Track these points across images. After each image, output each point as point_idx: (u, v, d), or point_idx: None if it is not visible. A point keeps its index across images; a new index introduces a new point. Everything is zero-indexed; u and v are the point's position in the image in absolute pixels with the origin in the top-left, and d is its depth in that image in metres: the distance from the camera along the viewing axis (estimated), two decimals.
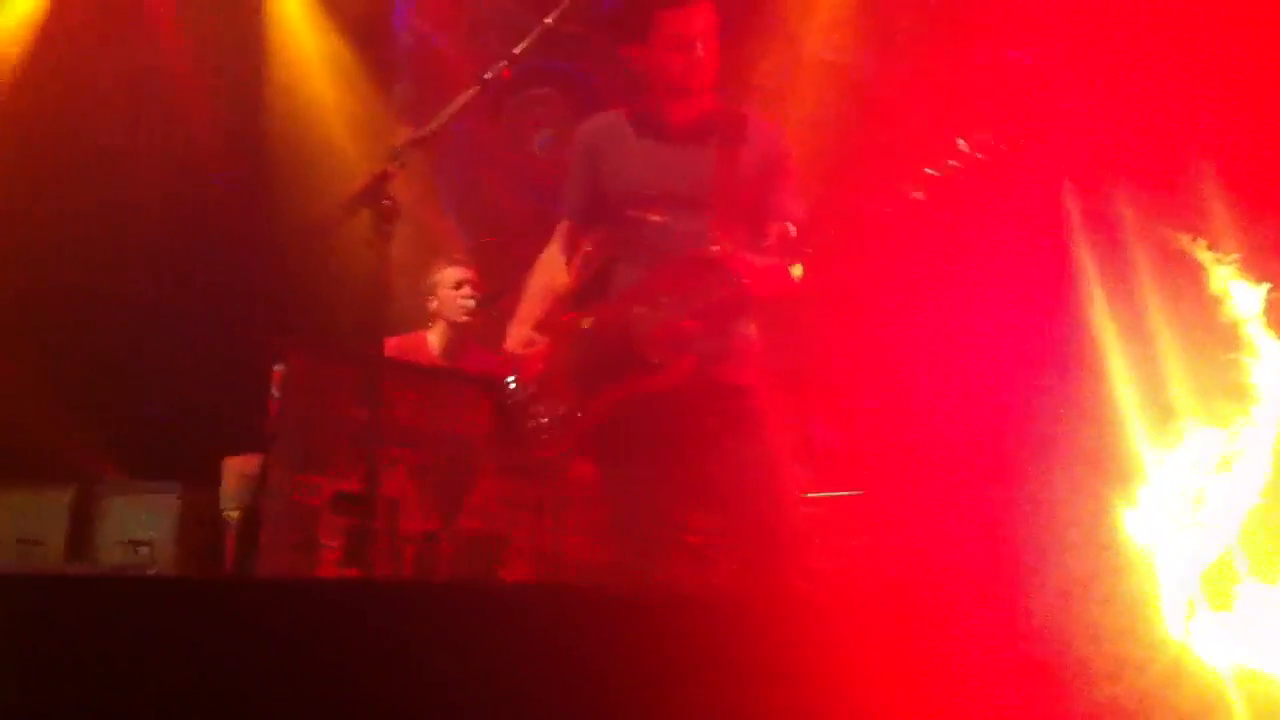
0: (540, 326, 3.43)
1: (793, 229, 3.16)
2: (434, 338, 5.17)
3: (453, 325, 5.13)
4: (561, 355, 3.37)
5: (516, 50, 3.21)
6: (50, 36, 6.96)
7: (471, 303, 5.09)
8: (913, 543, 4.56)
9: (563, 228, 3.55)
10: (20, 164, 6.80)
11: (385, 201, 3.17)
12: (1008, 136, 3.00)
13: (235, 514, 4.90)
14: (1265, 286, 3.21)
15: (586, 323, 3.38)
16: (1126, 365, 3.52)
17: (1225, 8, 4.43)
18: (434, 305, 5.17)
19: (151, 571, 5.60)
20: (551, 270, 3.52)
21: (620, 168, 3.39)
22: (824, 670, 1.81)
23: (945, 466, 4.69)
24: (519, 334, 3.44)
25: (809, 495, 4.10)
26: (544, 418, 3.35)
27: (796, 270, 3.21)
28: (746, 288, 3.19)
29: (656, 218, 3.30)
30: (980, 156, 2.98)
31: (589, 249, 3.50)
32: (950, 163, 2.99)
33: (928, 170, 3.00)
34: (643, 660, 1.89)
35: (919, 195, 3.01)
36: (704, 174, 3.30)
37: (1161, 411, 3.13)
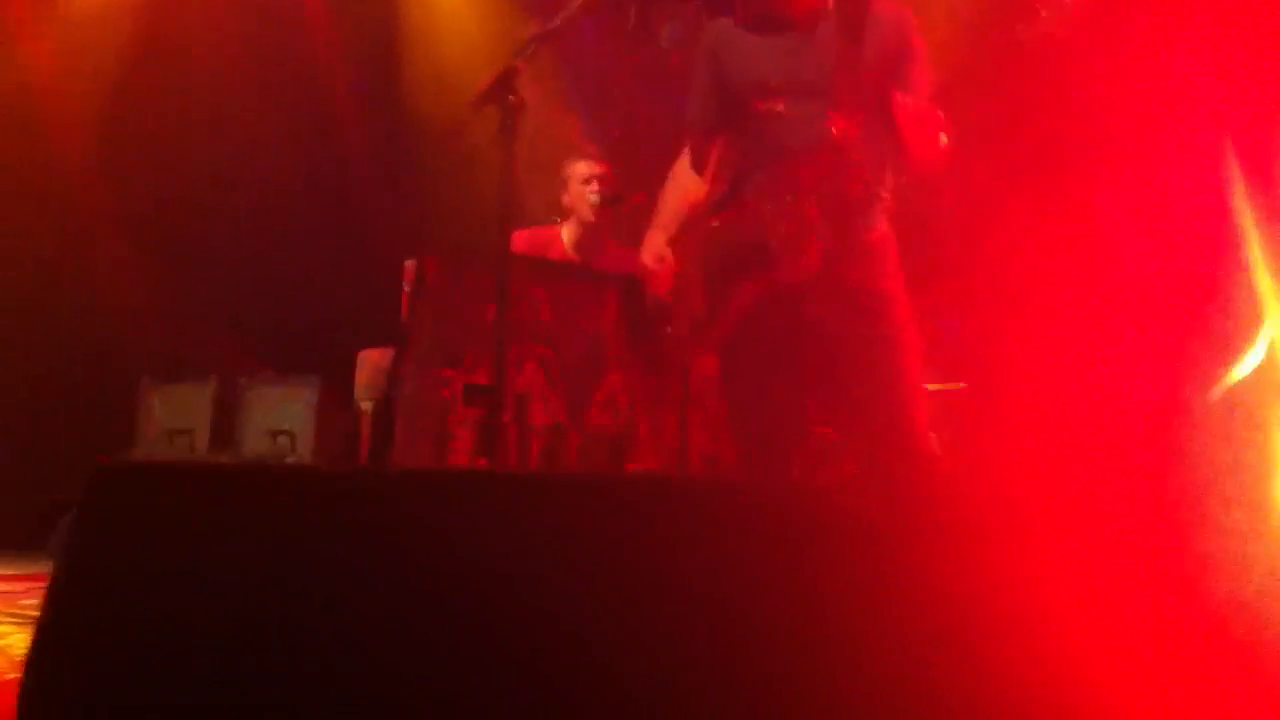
0: (675, 239, 3.41)
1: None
2: (566, 232, 5.18)
3: (583, 221, 5.14)
4: (693, 260, 3.35)
5: None
6: None
7: (596, 198, 5.08)
8: (1038, 441, 4.50)
9: (693, 138, 3.49)
10: (164, 77, 6.98)
11: (511, 98, 3.18)
12: None
13: (369, 405, 5.03)
14: None
15: (715, 223, 3.34)
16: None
17: None
18: (566, 200, 5.18)
19: (290, 459, 5.79)
20: (684, 181, 3.48)
21: (743, 63, 3.30)
22: (951, 572, 1.82)
23: (1074, 363, 4.61)
24: (652, 245, 3.43)
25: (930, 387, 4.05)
26: (681, 325, 3.35)
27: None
28: (900, 134, 3.09)
29: (780, 109, 3.23)
30: None
31: (723, 155, 3.44)
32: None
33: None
34: (767, 552, 1.90)
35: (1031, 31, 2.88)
36: (827, 60, 3.20)
37: None
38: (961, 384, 4.86)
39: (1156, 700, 1.77)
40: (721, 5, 3.37)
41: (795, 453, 3.40)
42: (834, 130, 3.09)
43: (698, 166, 3.48)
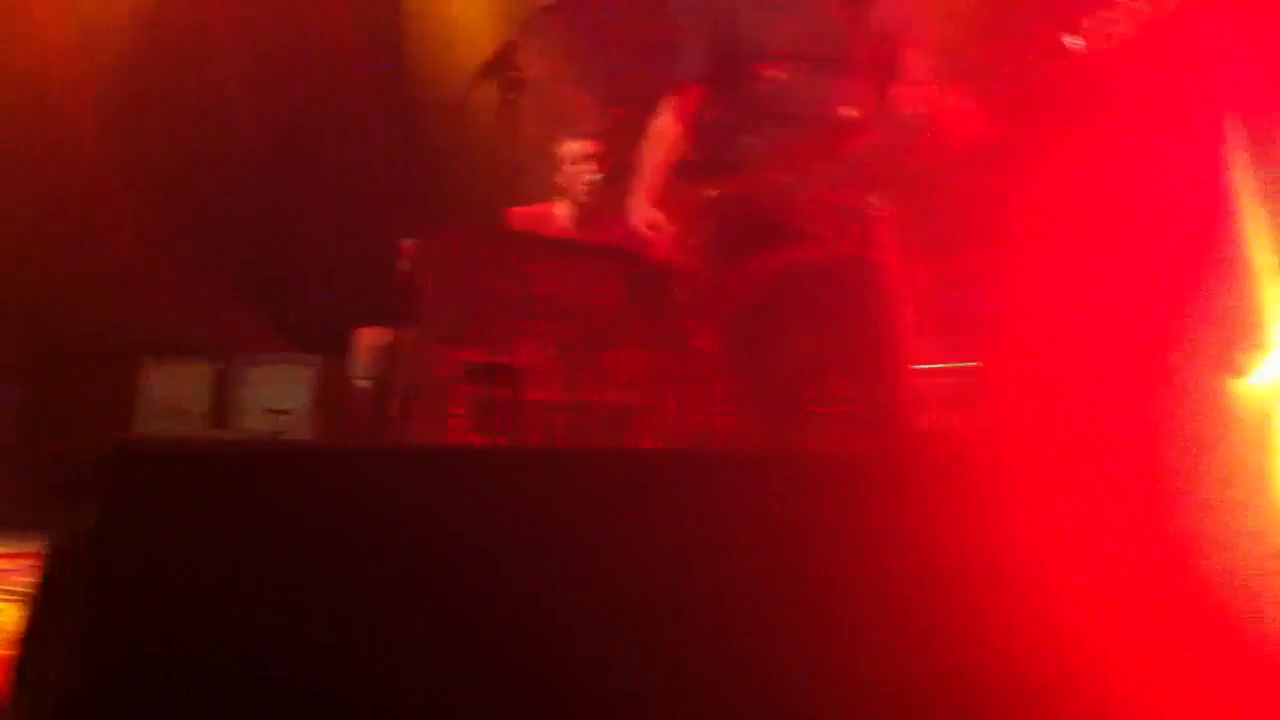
0: (661, 202, 3.33)
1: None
2: (562, 210, 5.11)
3: (578, 201, 5.06)
4: (694, 231, 3.28)
5: None
6: None
7: (596, 178, 5.01)
8: (1035, 412, 4.47)
9: (679, 93, 3.38)
10: (169, 53, 6.93)
11: (512, 73, 3.13)
12: None
13: (366, 383, 5.00)
14: None
15: (714, 194, 3.26)
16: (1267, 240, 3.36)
17: None
18: (559, 180, 5.10)
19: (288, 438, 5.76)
20: (668, 139, 3.37)
21: (751, 24, 3.22)
22: (950, 529, 1.79)
23: (1073, 337, 4.58)
24: (642, 212, 3.34)
25: (931, 366, 4.01)
26: (684, 294, 3.29)
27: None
28: (943, 136, 3.03)
29: (783, 76, 3.16)
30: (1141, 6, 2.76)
31: (710, 113, 3.35)
32: (1109, 17, 2.81)
33: (1086, 24, 2.81)
34: (777, 522, 1.87)
35: (1077, 43, 2.81)
36: (836, 32, 3.15)
37: None
38: (975, 362, 4.82)
39: (1149, 674, 1.75)
40: None
41: (806, 429, 3.35)
42: (852, 108, 3.05)
43: (685, 118, 3.36)
